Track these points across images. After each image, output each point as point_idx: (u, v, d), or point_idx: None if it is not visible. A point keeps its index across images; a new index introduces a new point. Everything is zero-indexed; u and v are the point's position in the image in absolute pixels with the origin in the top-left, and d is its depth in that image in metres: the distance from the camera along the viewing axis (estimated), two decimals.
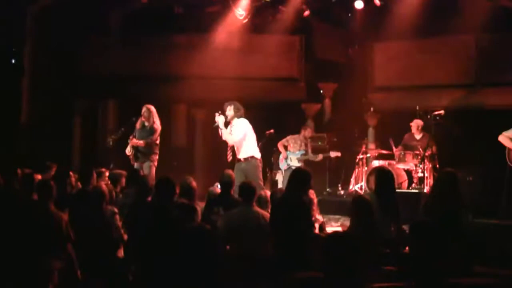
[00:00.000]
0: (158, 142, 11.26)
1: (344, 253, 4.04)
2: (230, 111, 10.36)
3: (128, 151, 11.13)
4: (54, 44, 14.99)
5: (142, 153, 11.06)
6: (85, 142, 16.03)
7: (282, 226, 6.65)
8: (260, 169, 10.60)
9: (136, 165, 11.08)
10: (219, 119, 10.27)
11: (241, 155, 10.35)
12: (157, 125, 11.21)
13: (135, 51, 15.66)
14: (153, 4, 15.29)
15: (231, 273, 6.51)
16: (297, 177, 7.01)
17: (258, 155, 10.50)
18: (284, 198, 7.10)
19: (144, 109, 11.21)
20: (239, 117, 10.39)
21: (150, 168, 10.95)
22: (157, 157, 11.20)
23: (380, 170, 8.28)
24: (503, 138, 10.76)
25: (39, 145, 14.20)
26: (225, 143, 10.81)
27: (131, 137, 11.15)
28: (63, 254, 6.50)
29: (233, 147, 10.60)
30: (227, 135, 10.32)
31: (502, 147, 10.69)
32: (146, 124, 11.18)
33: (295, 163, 12.86)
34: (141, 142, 11.04)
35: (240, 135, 10.31)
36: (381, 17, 14.54)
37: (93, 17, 15.32)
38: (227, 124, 10.43)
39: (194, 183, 8.33)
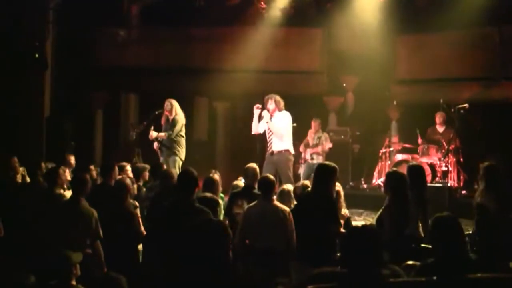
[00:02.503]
0: (182, 134, 11.24)
1: (366, 248, 4.02)
2: (271, 104, 10.48)
3: (156, 146, 11.15)
4: (76, 37, 15.06)
5: (166, 147, 11.07)
6: (107, 136, 16.10)
7: (307, 220, 6.64)
8: (292, 163, 10.67)
9: (162, 159, 11.09)
10: (265, 113, 10.37)
11: (276, 148, 10.38)
12: (179, 118, 11.21)
13: (156, 44, 15.70)
14: None
15: (250, 266, 6.53)
16: (323, 171, 7.00)
17: (292, 149, 10.56)
18: (310, 192, 7.10)
19: (166, 103, 11.23)
20: (280, 110, 10.48)
21: (175, 163, 10.93)
22: (182, 150, 11.18)
23: (412, 166, 8.21)
24: None
25: (62, 139, 14.28)
26: (247, 136, 10.84)
27: (150, 131, 11.15)
28: (89, 250, 6.54)
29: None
30: (273, 126, 10.36)
31: None
32: (170, 117, 11.20)
33: (308, 156, 12.98)
34: (162, 134, 11.05)
35: (286, 126, 10.39)
36: (404, 9, 14.45)
37: (114, 10, 15.39)
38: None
39: (216, 177, 8.35)
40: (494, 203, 6.98)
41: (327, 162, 7.28)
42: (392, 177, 7.11)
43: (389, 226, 6.60)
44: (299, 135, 13.25)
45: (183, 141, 11.22)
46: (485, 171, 7.32)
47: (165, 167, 9.94)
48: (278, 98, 10.54)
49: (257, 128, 10.61)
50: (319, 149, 13.02)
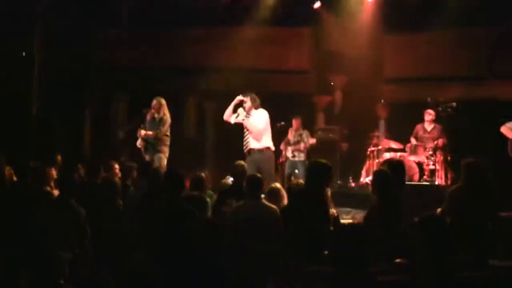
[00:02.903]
0: (168, 134, 11.28)
1: (354, 246, 4.04)
2: (247, 102, 10.41)
3: (139, 143, 11.16)
4: (65, 35, 15.01)
5: (152, 145, 11.08)
6: (96, 135, 16.06)
7: (299, 219, 6.64)
8: (274, 161, 10.65)
9: (147, 157, 11.10)
10: (240, 111, 10.34)
11: (256, 146, 10.35)
12: (167, 117, 11.23)
13: (146, 43, 15.69)
14: None
15: (239, 266, 6.54)
16: (316, 170, 7.00)
17: (273, 147, 10.55)
18: (304, 190, 7.10)
19: (154, 101, 11.23)
20: (256, 107, 10.45)
21: (160, 160, 10.95)
22: (167, 149, 11.22)
23: (389, 161, 8.26)
24: (505, 129, 10.75)
25: (50, 137, 14.25)
26: (236, 135, 10.83)
27: (139, 129, 11.16)
28: (79, 249, 6.54)
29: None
30: (251, 125, 10.34)
31: None
32: (156, 116, 11.20)
33: (289, 154, 13.06)
34: (150, 133, 11.06)
35: (263, 124, 10.36)
36: (392, 8, 14.49)
37: (105, 9, 15.35)
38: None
39: (204, 175, 8.36)
40: (472, 200, 7.02)
41: (321, 160, 7.25)
42: (379, 176, 7.13)
43: (378, 224, 6.62)
44: (286, 134, 13.29)
45: (168, 140, 11.26)
46: (465, 167, 7.36)
47: (153, 166, 9.94)
48: (253, 95, 10.51)
49: (229, 117, 10.53)
50: (301, 146, 13.08)
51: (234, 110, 10.52)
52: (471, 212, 6.94)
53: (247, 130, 10.45)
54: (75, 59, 15.23)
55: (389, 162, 7.98)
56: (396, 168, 7.44)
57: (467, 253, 6.25)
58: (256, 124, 10.35)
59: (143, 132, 11.09)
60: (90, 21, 15.15)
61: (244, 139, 10.54)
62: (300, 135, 13.27)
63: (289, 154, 13.15)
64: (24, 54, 14.58)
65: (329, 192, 7.83)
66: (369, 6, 14.87)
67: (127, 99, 16.33)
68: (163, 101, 11.30)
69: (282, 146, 13.14)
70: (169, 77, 15.33)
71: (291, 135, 13.28)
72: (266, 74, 15.34)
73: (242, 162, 8.49)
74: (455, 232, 6.44)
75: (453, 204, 7.10)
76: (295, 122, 13.36)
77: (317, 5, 15.05)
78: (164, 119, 11.17)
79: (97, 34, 15.77)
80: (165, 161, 11.00)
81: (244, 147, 10.51)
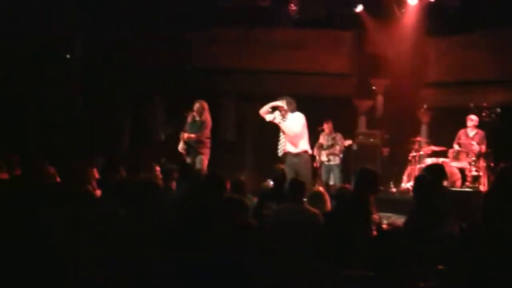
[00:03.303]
0: (209, 136, 11.31)
1: (393, 251, 4.00)
2: (283, 106, 10.36)
3: (181, 147, 11.20)
4: (106, 38, 15.17)
5: (194, 148, 11.13)
6: (136, 136, 16.19)
7: (342, 224, 6.61)
8: (311, 164, 10.60)
9: (188, 159, 11.14)
10: (276, 114, 10.31)
11: (294, 149, 10.30)
12: (209, 120, 11.27)
13: (185, 44, 15.75)
14: None
15: (279, 268, 6.52)
16: (365, 177, 6.96)
17: (310, 150, 10.50)
18: (350, 196, 7.07)
19: (197, 105, 11.27)
20: (292, 111, 10.39)
21: (202, 162, 11.01)
22: (209, 151, 11.25)
23: (430, 165, 8.18)
24: None
25: (92, 138, 14.40)
26: (275, 137, 10.81)
27: (182, 132, 11.22)
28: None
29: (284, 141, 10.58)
30: (287, 128, 10.29)
31: None
32: (197, 119, 11.24)
33: (324, 158, 12.99)
34: (192, 135, 11.11)
35: (299, 128, 10.30)
36: (434, 12, 14.36)
37: (143, 11, 15.47)
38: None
39: (243, 178, 8.35)
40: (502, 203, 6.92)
41: (369, 167, 7.22)
42: (421, 181, 7.06)
43: (417, 229, 6.55)
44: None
45: (209, 142, 11.30)
46: (498, 172, 7.28)
47: (194, 167, 9.98)
48: (289, 99, 10.44)
49: (265, 113, 10.48)
50: (337, 149, 13.02)
51: (272, 110, 10.48)
52: (500, 217, 6.84)
53: (283, 133, 10.43)
54: (116, 61, 15.38)
55: (430, 167, 7.90)
56: (436, 173, 7.37)
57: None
58: (292, 128, 10.30)
59: (185, 135, 11.14)
60: (130, 23, 15.28)
61: (280, 142, 10.52)
62: (334, 138, 13.23)
63: (323, 158, 13.10)
64: (68, 56, 14.77)
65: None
66: (411, 10, 14.74)
67: (166, 100, 16.42)
68: (206, 105, 11.34)
69: (315, 152, 13.09)
70: (208, 79, 15.39)
71: (323, 140, 13.23)
72: (307, 77, 15.30)
73: (281, 166, 8.48)
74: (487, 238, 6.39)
75: (485, 209, 7.02)
76: (326, 126, 13.31)
77: (359, 8, 14.98)
78: (205, 123, 11.21)
79: (136, 36, 15.89)
80: (206, 163, 11.04)
81: (279, 150, 10.49)
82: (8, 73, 14.33)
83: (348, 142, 13.13)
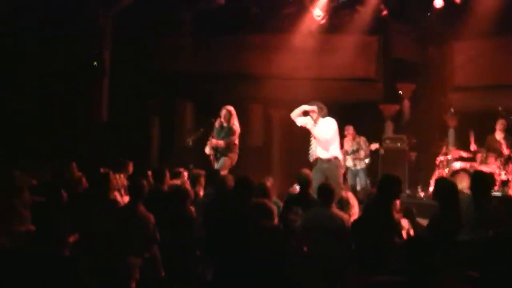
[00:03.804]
0: (237, 142, 11.30)
1: (424, 257, 3.98)
2: (314, 111, 10.32)
3: (208, 151, 11.20)
4: (132, 44, 15.28)
5: (221, 154, 11.12)
6: (163, 142, 16.26)
7: (369, 230, 6.61)
8: (341, 170, 10.55)
9: (216, 165, 11.14)
10: (308, 119, 10.28)
11: (324, 155, 10.24)
12: (236, 126, 11.24)
13: (212, 50, 15.82)
14: (229, 4, 15.42)
15: (308, 273, 6.51)
16: (387, 182, 6.95)
17: (340, 156, 10.44)
18: (374, 202, 7.06)
19: (224, 111, 11.25)
20: (323, 116, 10.35)
21: (223, 163, 10.95)
22: (235, 156, 11.23)
23: (474, 173, 8.10)
24: None
25: (120, 144, 14.49)
26: (302, 142, 10.78)
27: (210, 137, 11.22)
28: (147, 254, 6.60)
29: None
30: (318, 133, 10.25)
31: None
32: (225, 125, 11.23)
33: (349, 163, 12.98)
34: (221, 142, 11.08)
35: (331, 134, 10.26)
36: (461, 15, 14.28)
37: (170, 17, 15.56)
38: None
39: (269, 183, 8.37)
40: None
41: (392, 174, 7.21)
42: (441, 184, 7.03)
43: (439, 233, 6.52)
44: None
45: (237, 148, 11.27)
46: None
47: (221, 173, 9.98)
48: (320, 104, 10.36)
49: (296, 117, 10.37)
50: (362, 153, 12.96)
51: (304, 114, 10.44)
52: None
53: (314, 138, 10.37)
54: (143, 67, 15.48)
55: (472, 174, 7.79)
56: (481, 180, 7.29)
57: None
58: (323, 133, 10.24)
59: (214, 141, 11.13)
60: (157, 29, 15.37)
61: (310, 147, 10.46)
62: (358, 143, 13.17)
63: (349, 163, 13.05)
64: (95, 64, 14.89)
65: (398, 203, 7.77)
66: (437, 13, 14.66)
67: (194, 107, 16.49)
68: (233, 111, 11.31)
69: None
70: (235, 84, 15.42)
71: (348, 145, 13.17)
72: (333, 82, 15.28)
73: (307, 171, 8.45)
74: None
75: None
76: (347, 132, 13.24)
77: (384, 13, 14.95)
78: (233, 129, 11.18)
79: (162, 42, 15.98)
80: (227, 165, 10.98)
81: (310, 156, 10.43)
82: (38, 81, 14.49)
83: (374, 146, 13.05)
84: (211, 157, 11.20)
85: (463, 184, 8.75)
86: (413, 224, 7.76)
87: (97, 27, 15.09)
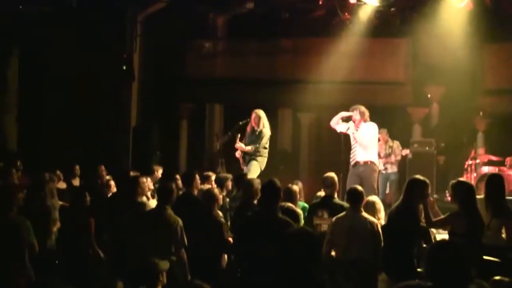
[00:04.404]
0: (267, 146, 11.29)
1: (451, 261, 3.96)
2: (357, 115, 10.32)
3: (238, 154, 11.20)
4: (162, 49, 15.39)
5: (250, 156, 11.12)
6: (192, 146, 16.35)
7: (395, 235, 6.60)
8: (377, 174, 10.54)
9: (245, 169, 11.14)
10: (349, 124, 10.29)
11: (362, 158, 10.23)
12: (266, 130, 11.22)
13: (241, 55, 15.88)
14: (259, 9, 15.47)
15: (337, 278, 6.52)
16: (413, 185, 6.95)
17: (377, 161, 10.43)
18: (398, 207, 7.06)
19: (253, 115, 11.23)
20: (365, 120, 10.35)
21: (252, 167, 10.93)
22: (264, 160, 11.21)
23: (491, 175, 8.11)
24: None
25: (148, 148, 14.60)
26: (331, 147, 10.78)
27: (237, 140, 11.21)
28: (175, 258, 6.65)
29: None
30: (360, 137, 10.24)
31: None
32: (256, 128, 11.23)
33: (381, 166, 12.90)
34: (248, 148, 11.04)
35: (372, 138, 10.27)
36: (492, 17, 14.18)
37: (198, 22, 15.65)
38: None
39: (296, 187, 8.38)
40: None
41: (418, 176, 7.19)
42: (459, 188, 7.01)
43: (463, 236, 6.49)
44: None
45: (266, 152, 11.25)
46: None
47: (248, 177, 9.99)
48: (363, 109, 10.38)
49: (336, 124, 10.43)
50: (392, 158, 12.90)
51: (345, 121, 10.45)
52: None
53: (356, 142, 10.36)
54: (171, 71, 15.57)
55: (488, 176, 7.81)
56: (494, 182, 7.30)
57: None
58: (365, 137, 10.25)
59: (241, 146, 11.09)
60: (185, 34, 15.47)
61: (352, 151, 10.46)
62: (391, 147, 13.11)
63: (380, 167, 13.01)
64: (124, 68, 15.01)
65: (432, 202, 7.74)
66: (467, 15, 14.55)
67: (222, 110, 16.56)
68: (262, 114, 11.28)
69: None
70: (263, 89, 15.45)
71: (381, 148, 13.12)
72: (362, 86, 15.24)
73: (332, 174, 8.43)
74: None
75: None
76: (381, 135, 13.20)
77: (413, 15, 14.89)
78: (263, 132, 11.14)
79: (191, 47, 16.07)
80: (256, 169, 10.97)
81: (351, 160, 10.42)
82: (67, 85, 14.65)
83: (405, 152, 12.97)
84: (241, 160, 11.20)
85: None
86: None
87: (127, 31, 15.23)
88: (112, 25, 14.52)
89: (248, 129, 11.31)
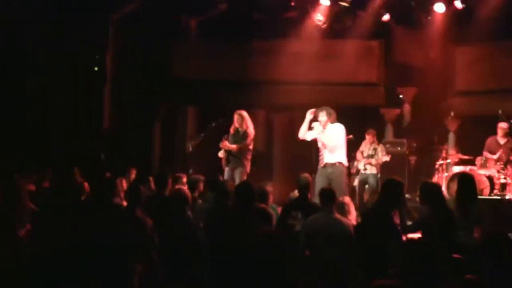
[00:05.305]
0: (251, 147, 11.28)
1: (422, 261, 3.99)
2: (323, 116, 10.29)
3: (221, 153, 11.18)
4: (134, 51, 15.32)
5: (234, 157, 11.11)
6: (165, 148, 16.29)
7: (370, 235, 6.63)
8: (345, 175, 10.55)
9: (227, 169, 11.12)
10: (315, 125, 10.28)
11: (330, 160, 10.24)
12: (251, 130, 11.22)
13: (214, 56, 15.85)
14: (232, 10, 15.46)
15: (310, 277, 6.53)
16: (390, 188, 6.98)
17: (345, 161, 10.43)
18: (375, 207, 7.09)
19: (236, 116, 11.24)
20: (332, 121, 10.34)
21: (241, 175, 10.95)
22: (249, 163, 11.21)
23: (461, 174, 8.20)
24: None
25: (120, 150, 14.53)
26: (304, 148, 10.78)
27: (223, 139, 11.19)
28: (146, 259, 6.62)
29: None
30: (327, 139, 10.24)
31: None
32: (240, 129, 11.22)
33: (361, 166, 12.94)
34: (233, 146, 11.06)
35: (339, 139, 10.26)
36: (462, 20, 14.30)
37: (172, 24, 15.61)
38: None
39: (268, 188, 8.39)
40: None
41: (394, 178, 7.24)
42: (426, 189, 7.07)
43: (434, 236, 6.54)
44: (355, 147, 13.21)
45: (250, 153, 11.26)
46: None
47: (221, 178, 9.99)
48: (330, 110, 10.36)
49: (305, 134, 10.45)
50: (373, 161, 12.94)
51: (309, 126, 10.43)
52: None
53: (323, 145, 10.35)
54: (144, 73, 15.51)
55: (458, 175, 7.91)
56: (466, 181, 7.37)
57: None
58: (332, 138, 10.24)
59: (226, 144, 11.09)
60: (158, 36, 15.41)
61: (320, 153, 10.45)
62: (375, 149, 13.14)
63: (360, 166, 13.05)
64: (96, 69, 14.93)
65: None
66: (439, 18, 14.67)
67: (195, 112, 16.53)
68: (245, 114, 11.28)
69: (358, 156, 13.09)
70: (236, 90, 15.44)
71: (365, 147, 13.16)
72: (335, 87, 15.30)
73: (306, 175, 8.44)
74: None
75: None
76: (368, 136, 13.25)
77: (386, 17, 14.97)
78: (247, 133, 11.16)
79: (165, 48, 16.02)
80: (245, 176, 10.98)
81: (320, 161, 10.43)
82: (38, 87, 14.51)
83: (386, 158, 12.97)
84: (223, 161, 11.19)
85: None
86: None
87: (99, 32, 15.13)
88: (84, 26, 14.40)
89: (231, 130, 11.30)
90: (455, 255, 6.49)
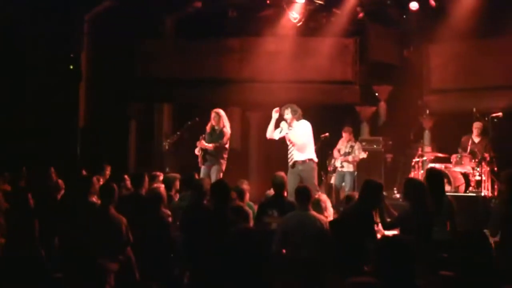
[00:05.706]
0: (227, 146, 11.26)
1: (397, 258, 4.01)
2: (288, 114, 10.29)
3: (197, 151, 11.14)
4: (110, 49, 15.23)
5: (211, 155, 11.08)
6: (141, 146, 16.23)
7: (347, 233, 6.64)
8: (316, 172, 10.55)
9: (203, 167, 11.09)
10: (282, 124, 10.26)
11: (299, 157, 10.25)
12: (227, 129, 11.20)
13: (189, 54, 15.81)
14: (207, 8, 15.44)
15: (287, 275, 6.53)
16: (369, 189, 7.01)
17: (315, 157, 10.43)
18: (355, 206, 7.12)
19: (213, 114, 11.22)
20: (298, 119, 10.34)
21: (217, 173, 10.94)
22: (225, 162, 11.19)
23: (429, 170, 8.26)
24: None
25: (96, 148, 14.45)
26: (280, 146, 10.78)
27: (200, 138, 11.15)
28: (122, 257, 6.59)
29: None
30: (293, 137, 10.23)
31: None
32: (216, 128, 11.19)
33: (338, 164, 12.97)
34: (210, 145, 11.02)
35: (306, 136, 10.26)
36: (437, 18, 14.38)
37: (147, 22, 15.54)
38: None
39: (245, 186, 8.39)
40: None
41: (374, 179, 7.28)
42: (409, 185, 7.11)
43: (414, 233, 6.57)
44: (332, 145, 13.25)
45: (227, 152, 11.24)
46: (506, 179, 7.27)
47: (197, 176, 9.96)
48: (295, 107, 10.36)
49: (272, 133, 10.47)
50: (350, 158, 12.96)
51: (276, 125, 10.43)
52: None
53: (290, 143, 10.35)
54: (120, 71, 15.43)
55: (428, 171, 7.99)
56: (434, 177, 7.43)
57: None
58: (299, 136, 10.24)
59: (203, 143, 11.05)
60: (134, 34, 15.34)
61: (289, 152, 10.45)
62: (352, 147, 13.15)
63: (337, 164, 13.06)
64: (71, 67, 14.83)
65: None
66: (413, 16, 14.74)
67: (171, 110, 16.48)
68: (222, 113, 11.26)
69: (335, 154, 13.10)
70: (212, 88, 15.40)
71: (342, 145, 13.18)
72: (310, 85, 15.29)
73: (281, 173, 8.45)
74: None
75: (501, 218, 7.00)
76: (345, 133, 13.26)
77: (361, 15, 15.02)
78: (223, 131, 11.14)
79: (140, 46, 15.96)
80: (221, 175, 10.97)
81: (289, 160, 10.42)
82: (13, 84, 14.38)
83: (363, 155, 13.00)
84: (199, 159, 11.15)
85: None
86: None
87: (74, 30, 15.03)
88: (59, 24, 14.30)
89: (208, 128, 11.27)
90: (431, 252, 6.52)
